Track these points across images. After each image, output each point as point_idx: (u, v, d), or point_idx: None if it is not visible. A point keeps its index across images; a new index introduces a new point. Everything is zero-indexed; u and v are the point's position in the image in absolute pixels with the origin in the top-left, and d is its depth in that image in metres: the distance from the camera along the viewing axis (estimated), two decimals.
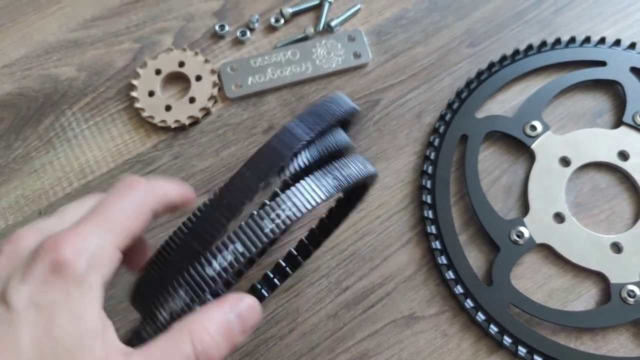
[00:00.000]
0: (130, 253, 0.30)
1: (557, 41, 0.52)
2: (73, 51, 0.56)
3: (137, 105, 0.53)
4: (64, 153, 0.53)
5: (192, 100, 0.53)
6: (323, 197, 0.30)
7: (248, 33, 0.55)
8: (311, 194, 0.29)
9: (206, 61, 0.54)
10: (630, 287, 0.44)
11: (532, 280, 0.46)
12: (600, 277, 0.45)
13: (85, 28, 0.57)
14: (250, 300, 0.29)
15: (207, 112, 0.53)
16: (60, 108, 0.54)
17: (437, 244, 0.47)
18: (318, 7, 0.56)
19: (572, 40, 0.52)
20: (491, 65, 0.52)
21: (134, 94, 0.53)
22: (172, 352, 0.26)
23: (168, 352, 0.26)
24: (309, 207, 0.29)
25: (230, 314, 0.28)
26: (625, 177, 0.48)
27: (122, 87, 0.55)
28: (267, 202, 0.29)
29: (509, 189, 0.49)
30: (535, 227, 0.46)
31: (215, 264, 0.28)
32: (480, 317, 0.44)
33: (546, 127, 0.49)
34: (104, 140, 0.53)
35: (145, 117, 0.52)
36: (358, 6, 0.55)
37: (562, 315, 0.44)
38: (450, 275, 0.46)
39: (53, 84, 0.55)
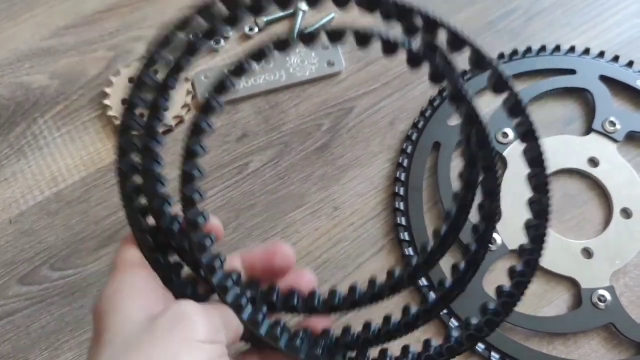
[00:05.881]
0: None
1: (528, 50, 0.53)
2: (46, 59, 0.56)
3: (110, 113, 0.53)
4: (35, 161, 0.52)
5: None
6: None
7: (222, 41, 0.55)
8: None
9: None
10: (601, 291, 0.44)
11: None
12: (571, 282, 0.46)
13: (59, 36, 0.57)
14: None
15: (180, 120, 0.52)
16: (32, 116, 0.54)
17: (410, 251, 0.47)
18: (292, 16, 0.56)
19: (543, 49, 0.53)
20: (464, 73, 0.53)
21: (106, 102, 0.53)
22: None
23: None
24: None
25: None
26: (595, 184, 0.49)
27: (94, 95, 0.54)
28: None
29: None
30: (508, 233, 0.47)
31: None
32: (453, 323, 0.44)
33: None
34: (76, 148, 0.52)
35: (118, 125, 0.52)
36: (332, 14, 0.56)
37: (535, 321, 0.44)
38: (423, 282, 0.46)
39: (25, 92, 0.55)
